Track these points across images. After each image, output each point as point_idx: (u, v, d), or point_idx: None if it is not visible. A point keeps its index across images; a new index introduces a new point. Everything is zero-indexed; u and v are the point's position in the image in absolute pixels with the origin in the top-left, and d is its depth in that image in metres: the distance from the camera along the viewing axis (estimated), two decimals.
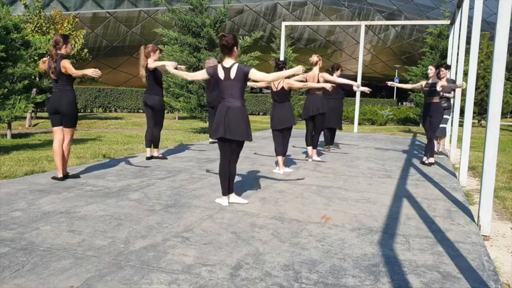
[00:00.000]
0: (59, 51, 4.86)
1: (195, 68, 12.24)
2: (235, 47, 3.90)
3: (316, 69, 6.37)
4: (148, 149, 6.61)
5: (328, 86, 5.93)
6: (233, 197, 4.19)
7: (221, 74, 3.90)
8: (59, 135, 5.02)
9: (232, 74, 3.85)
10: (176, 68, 5.58)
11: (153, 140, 6.54)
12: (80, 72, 4.87)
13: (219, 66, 3.93)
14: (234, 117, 3.86)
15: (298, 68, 3.98)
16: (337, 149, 8.42)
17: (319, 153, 7.55)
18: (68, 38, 4.97)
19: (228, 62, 3.91)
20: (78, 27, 20.38)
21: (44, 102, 15.35)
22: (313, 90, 6.44)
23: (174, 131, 13.32)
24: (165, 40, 12.64)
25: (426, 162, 6.75)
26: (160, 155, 6.71)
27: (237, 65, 3.87)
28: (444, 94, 6.58)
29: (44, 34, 15.96)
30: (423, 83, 6.81)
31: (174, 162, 6.37)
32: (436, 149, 8.01)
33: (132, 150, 8.43)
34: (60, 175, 5.00)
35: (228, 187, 4.14)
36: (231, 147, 4.00)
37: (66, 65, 4.81)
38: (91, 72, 4.71)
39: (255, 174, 5.61)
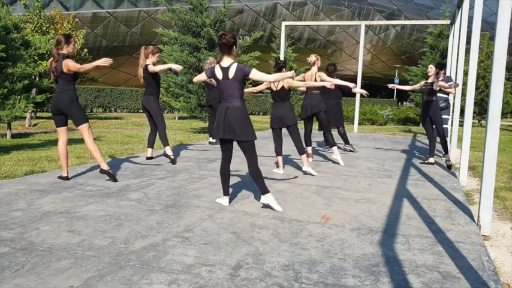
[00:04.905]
0: (60, 51, 4.82)
1: (194, 68, 12.25)
2: (234, 46, 3.86)
3: (314, 68, 6.35)
4: (149, 150, 6.60)
5: (328, 84, 5.92)
6: (267, 198, 3.93)
7: (219, 74, 3.86)
8: (63, 135, 5.03)
9: (231, 74, 3.80)
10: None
11: (161, 139, 6.35)
12: (89, 66, 4.74)
13: (217, 66, 3.88)
14: (233, 117, 3.82)
15: (292, 72, 4.09)
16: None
17: (318, 153, 7.56)
18: (70, 38, 4.90)
19: (226, 61, 3.85)
20: (78, 27, 20.38)
21: (44, 102, 15.36)
22: (311, 89, 6.44)
23: (174, 131, 13.32)
24: (165, 40, 12.64)
25: (446, 160, 6.67)
26: (171, 156, 6.28)
27: (235, 64, 3.82)
28: (441, 87, 6.57)
29: (43, 34, 15.96)
30: (422, 82, 6.83)
31: (176, 162, 6.36)
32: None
33: (132, 150, 8.43)
34: (64, 174, 5.03)
35: (227, 188, 4.13)
36: (242, 148, 3.94)
37: (69, 64, 4.74)
38: (103, 61, 4.62)
39: None
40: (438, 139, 7.32)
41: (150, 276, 2.49)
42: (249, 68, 3.81)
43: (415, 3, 35.37)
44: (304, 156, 5.68)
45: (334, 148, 6.60)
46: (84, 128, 4.93)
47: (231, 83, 3.82)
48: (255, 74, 3.82)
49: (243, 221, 3.61)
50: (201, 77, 4.12)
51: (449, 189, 5.11)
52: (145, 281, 2.43)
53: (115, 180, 4.97)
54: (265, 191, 3.94)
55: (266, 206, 4.01)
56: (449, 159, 6.58)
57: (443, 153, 7.08)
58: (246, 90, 5.78)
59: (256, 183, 3.95)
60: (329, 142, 6.64)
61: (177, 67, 5.93)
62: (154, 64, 6.14)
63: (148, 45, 6.43)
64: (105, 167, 4.98)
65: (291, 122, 5.59)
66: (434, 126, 6.75)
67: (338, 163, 6.56)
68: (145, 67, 6.12)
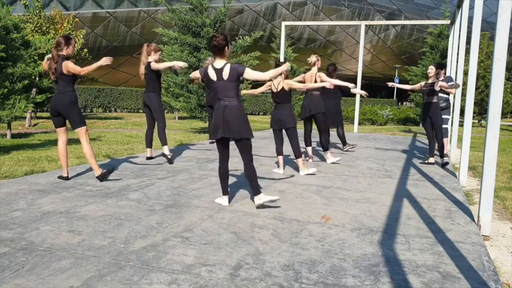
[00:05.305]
0: (60, 53, 4.79)
1: (194, 68, 12.25)
2: (226, 48, 3.86)
3: (314, 69, 6.37)
4: (148, 149, 6.59)
5: (327, 84, 5.94)
6: (262, 198, 3.93)
7: (212, 75, 3.86)
8: (63, 136, 5.04)
9: (225, 75, 3.80)
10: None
11: (159, 138, 6.34)
12: (90, 68, 4.73)
13: (210, 67, 3.89)
14: (232, 116, 3.83)
15: (287, 65, 4.17)
16: (335, 149, 8.41)
17: (317, 153, 7.56)
18: (71, 40, 4.86)
19: (219, 63, 3.86)
20: (78, 27, 20.37)
21: (44, 102, 15.35)
22: (311, 90, 6.45)
23: (174, 131, 13.32)
24: (165, 40, 12.65)
25: (444, 161, 6.67)
26: (169, 155, 6.29)
27: (229, 65, 3.82)
28: (441, 88, 6.58)
29: (43, 34, 15.96)
30: (422, 83, 6.84)
31: (174, 162, 6.36)
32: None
33: (132, 150, 8.43)
34: (64, 174, 5.03)
35: (226, 187, 4.14)
36: (239, 148, 3.95)
37: (70, 66, 4.71)
38: (104, 61, 4.61)
39: None
40: None
41: (150, 276, 2.49)
42: (242, 68, 3.81)
43: (415, 3, 35.37)
44: (299, 161, 5.68)
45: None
46: (81, 131, 4.93)
47: (226, 83, 3.83)
48: (249, 73, 3.82)
49: (243, 221, 3.61)
50: (196, 73, 4.18)
51: (449, 189, 5.11)
52: (145, 281, 2.43)
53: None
54: (257, 192, 3.96)
55: (261, 206, 4.00)
56: (443, 161, 6.64)
57: (440, 156, 7.08)
58: (246, 92, 5.79)
59: (250, 183, 3.97)
60: (322, 144, 6.67)
61: (181, 64, 5.90)
62: (156, 62, 6.12)
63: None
64: (99, 172, 4.98)
65: (289, 125, 5.59)
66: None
67: (337, 163, 6.60)
68: (148, 64, 6.10)
